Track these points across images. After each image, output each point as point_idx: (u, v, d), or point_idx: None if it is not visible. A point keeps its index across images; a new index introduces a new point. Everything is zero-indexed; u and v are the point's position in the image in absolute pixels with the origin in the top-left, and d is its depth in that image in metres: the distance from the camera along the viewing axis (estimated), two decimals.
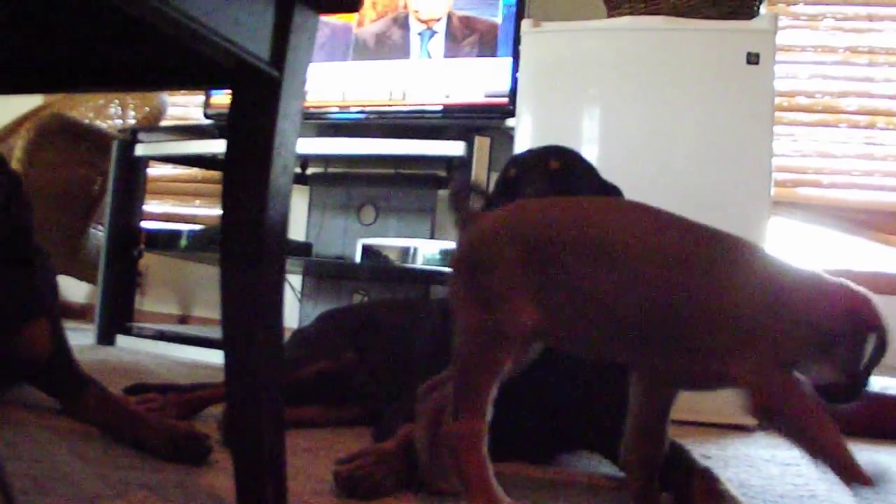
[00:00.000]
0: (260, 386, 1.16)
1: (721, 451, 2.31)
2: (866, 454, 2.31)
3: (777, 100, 3.17)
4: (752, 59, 2.83)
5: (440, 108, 3.59)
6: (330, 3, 1.18)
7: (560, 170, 1.86)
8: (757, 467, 2.13)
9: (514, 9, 3.52)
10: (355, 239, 3.63)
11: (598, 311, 1.31)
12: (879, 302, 1.39)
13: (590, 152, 2.91)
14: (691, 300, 1.28)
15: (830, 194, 4.05)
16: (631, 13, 3.06)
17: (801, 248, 3.91)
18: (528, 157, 1.94)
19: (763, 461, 2.22)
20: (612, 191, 2.02)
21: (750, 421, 2.70)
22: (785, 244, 3.80)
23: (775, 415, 1.31)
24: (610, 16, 3.15)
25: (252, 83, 1.13)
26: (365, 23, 3.87)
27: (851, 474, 1.25)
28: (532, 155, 1.94)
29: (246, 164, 1.14)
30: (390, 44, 3.81)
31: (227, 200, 1.16)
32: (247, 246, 1.14)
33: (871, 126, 4.08)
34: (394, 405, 1.96)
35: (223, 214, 1.16)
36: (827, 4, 4.16)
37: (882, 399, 2.84)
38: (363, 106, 3.76)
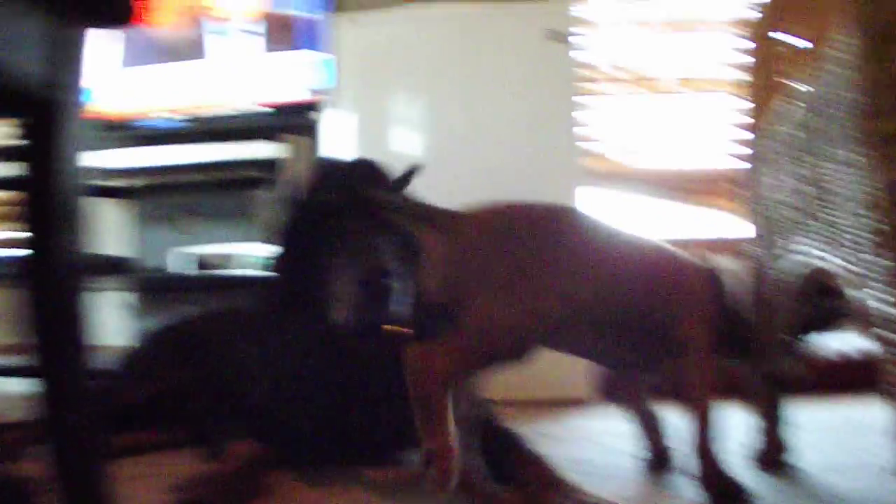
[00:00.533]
0: (66, 414, 1.09)
1: (558, 428, 2.33)
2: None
3: (587, 71, 3.24)
4: (557, 36, 2.88)
5: (255, 108, 3.49)
6: (99, 18, 1.11)
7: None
8: (594, 441, 2.16)
9: (326, 2, 3.45)
10: (178, 249, 3.52)
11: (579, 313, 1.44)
12: None
13: (409, 138, 2.92)
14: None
15: (643, 162, 4.15)
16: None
17: (613, 216, 3.97)
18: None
19: (599, 434, 2.24)
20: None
21: (584, 394, 2.73)
22: (597, 213, 3.85)
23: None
24: (421, 3, 3.14)
25: (25, 106, 1.06)
26: (163, 24, 3.73)
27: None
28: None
29: (30, 187, 1.08)
30: (194, 45, 3.68)
31: (21, 224, 1.09)
32: (38, 268, 1.08)
33: (679, 93, 4.19)
34: (225, 423, 1.90)
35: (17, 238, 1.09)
36: None
37: (845, 358, 2.96)
38: (174, 112, 3.63)
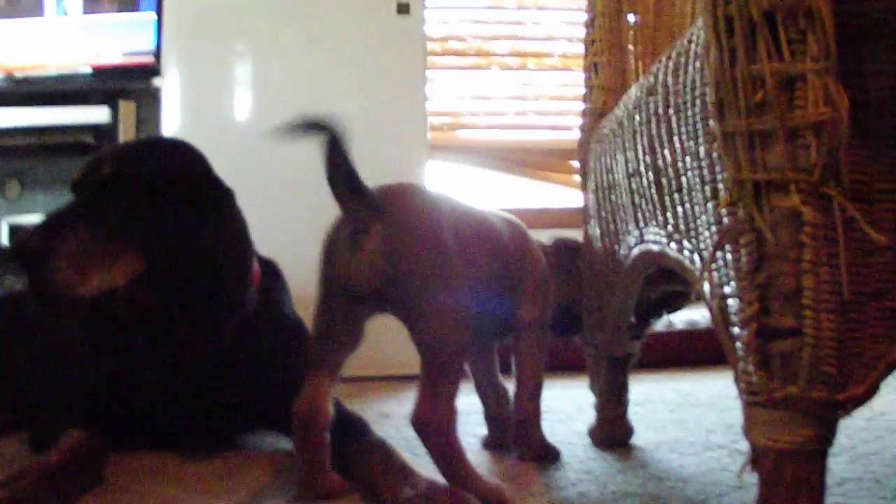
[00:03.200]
0: None
1: (400, 407, 2.30)
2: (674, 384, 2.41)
3: (430, 45, 3.21)
4: (403, 8, 2.83)
5: (84, 70, 3.33)
6: None
7: (112, 177, 1.55)
8: None
9: None
10: (0, 217, 3.34)
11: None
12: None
13: (244, 107, 2.82)
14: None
15: (486, 136, 4.18)
16: None
17: (460, 189, 4.00)
18: (93, 160, 1.61)
19: None
20: (211, 192, 1.65)
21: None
22: (445, 186, 3.86)
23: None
24: None
25: None
26: None
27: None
28: (98, 156, 1.62)
29: None
30: (21, 0, 3.49)
31: None
32: None
33: (522, 68, 4.23)
34: (51, 409, 1.79)
35: None
36: None
37: (690, 332, 3.01)
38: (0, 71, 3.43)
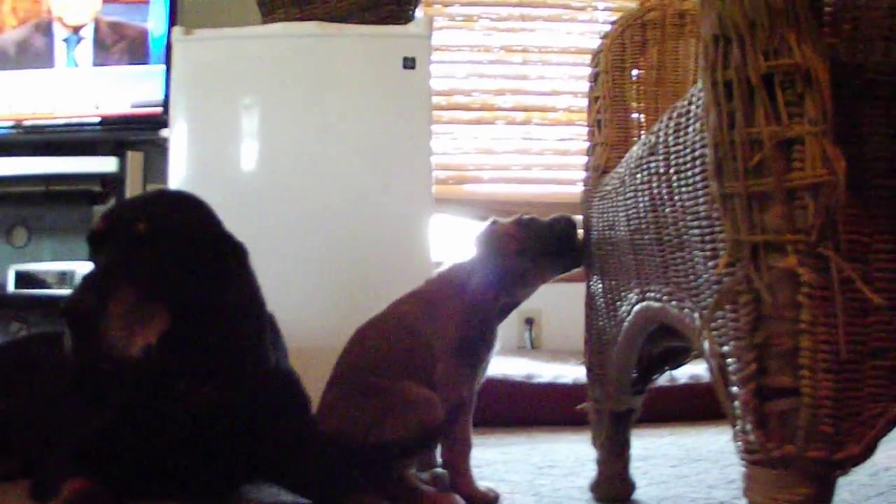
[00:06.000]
0: None
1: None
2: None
3: (435, 99, 3.24)
4: (409, 63, 2.85)
5: (92, 120, 3.37)
6: None
7: (148, 234, 1.56)
8: None
9: (165, 15, 3.36)
10: (7, 264, 3.35)
11: None
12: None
13: (250, 160, 2.83)
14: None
15: (491, 189, 4.21)
16: (285, 19, 3.00)
17: (465, 243, 4.00)
18: (120, 212, 1.66)
19: None
20: (228, 248, 1.68)
21: None
22: (449, 240, 3.87)
23: None
24: (265, 22, 3.07)
25: None
26: (5, 29, 3.57)
27: None
28: (125, 210, 1.68)
29: None
30: (34, 51, 3.53)
31: None
32: None
33: (526, 122, 4.26)
34: (53, 457, 1.79)
35: None
36: (482, 5, 4.31)
37: (693, 386, 3.00)
38: (9, 120, 3.46)
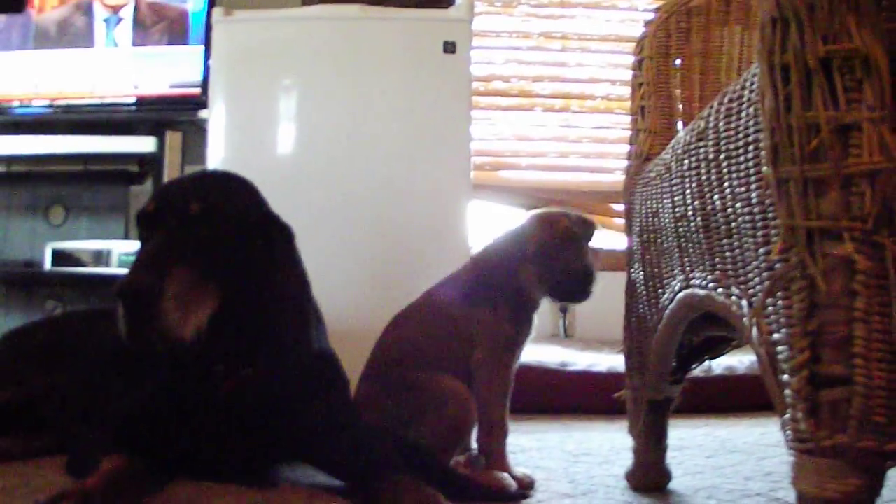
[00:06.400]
0: None
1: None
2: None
3: (474, 85, 3.21)
4: (449, 47, 2.84)
5: (130, 100, 3.39)
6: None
7: (201, 214, 1.56)
8: None
9: None
10: (44, 242, 3.38)
11: None
12: None
13: (288, 142, 2.83)
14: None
15: (528, 176, 4.19)
16: (326, 1, 3.01)
17: (501, 229, 3.99)
18: (172, 192, 1.64)
19: None
20: (276, 230, 1.68)
21: None
22: (486, 226, 3.87)
23: None
24: (305, 4, 3.08)
25: None
26: (46, 9, 3.59)
27: None
28: (177, 190, 1.65)
29: None
30: (74, 31, 3.55)
31: None
32: None
33: (565, 109, 4.24)
34: (90, 433, 1.80)
35: None
36: None
37: (728, 378, 2.99)
38: (48, 99, 3.49)
